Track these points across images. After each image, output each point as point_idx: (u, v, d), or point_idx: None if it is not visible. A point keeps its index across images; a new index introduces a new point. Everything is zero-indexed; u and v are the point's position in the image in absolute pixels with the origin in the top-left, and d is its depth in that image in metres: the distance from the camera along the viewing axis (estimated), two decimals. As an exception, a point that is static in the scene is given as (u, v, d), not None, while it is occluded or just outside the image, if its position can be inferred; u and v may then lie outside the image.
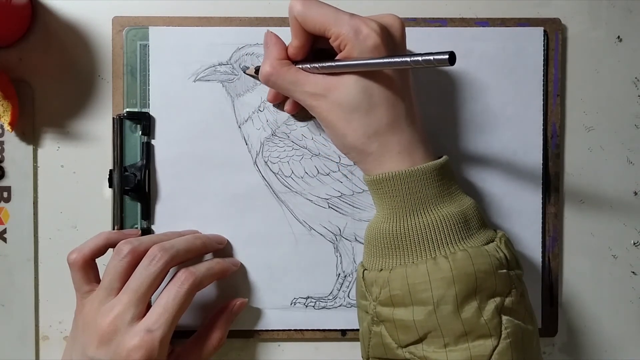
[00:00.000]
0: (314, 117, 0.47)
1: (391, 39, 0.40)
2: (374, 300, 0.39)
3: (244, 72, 0.47)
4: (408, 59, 0.35)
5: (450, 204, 0.39)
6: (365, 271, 0.41)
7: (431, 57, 0.34)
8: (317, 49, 0.42)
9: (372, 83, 0.39)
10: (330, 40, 0.40)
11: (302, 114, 0.47)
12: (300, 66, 0.41)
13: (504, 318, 0.37)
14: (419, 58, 0.35)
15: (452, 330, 0.37)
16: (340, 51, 0.39)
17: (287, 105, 0.46)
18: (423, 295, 0.37)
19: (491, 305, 0.37)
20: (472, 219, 0.40)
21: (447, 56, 0.33)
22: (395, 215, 0.39)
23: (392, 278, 0.38)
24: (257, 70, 0.46)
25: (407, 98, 0.40)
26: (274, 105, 0.47)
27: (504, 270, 0.38)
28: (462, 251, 0.38)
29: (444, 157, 0.41)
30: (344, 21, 0.38)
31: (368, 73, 0.39)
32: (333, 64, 0.39)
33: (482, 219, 0.40)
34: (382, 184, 0.39)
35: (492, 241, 0.40)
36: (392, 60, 0.36)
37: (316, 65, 0.40)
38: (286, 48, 0.42)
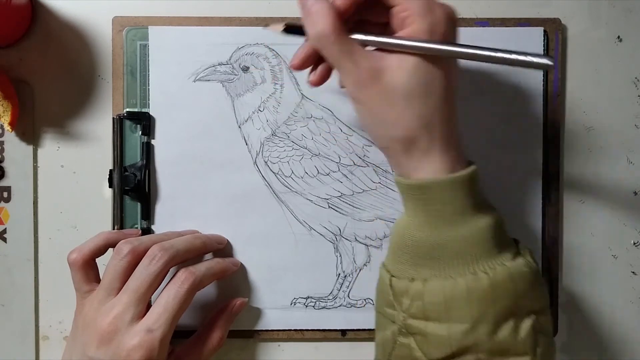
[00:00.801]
0: (313, 115, 0.47)
1: (454, 31, 0.37)
2: (404, 312, 0.37)
3: (266, 27, 0.40)
4: (508, 56, 0.33)
5: (484, 215, 0.37)
6: (394, 278, 0.38)
7: (534, 59, 0.33)
8: (357, 20, 0.38)
9: (433, 69, 0.36)
10: (394, 10, 0.36)
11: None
12: (357, 36, 0.36)
13: (539, 335, 0.36)
14: (522, 57, 0.33)
15: (487, 348, 0.35)
16: (402, 27, 0.36)
17: (315, 76, 0.40)
18: (460, 313, 0.35)
19: (527, 323, 0.36)
20: (503, 231, 0.38)
21: (550, 62, 0.32)
22: (432, 224, 0.36)
23: (427, 291, 0.36)
24: (289, 27, 0.39)
25: (456, 94, 0.38)
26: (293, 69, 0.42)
27: (540, 287, 0.37)
28: (501, 266, 0.36)
29: (474, 165, 0.37)
30: None
31: (430, 59, 0.35)
32: (408, 42, 0.34)
33: (506, 229, 0.38)
34: (419, 191, 0.36)
35: (519, 253, 0.37)
36: (486, 53, 0.33)
37: (380, 39, 0.35)
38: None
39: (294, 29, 0.39)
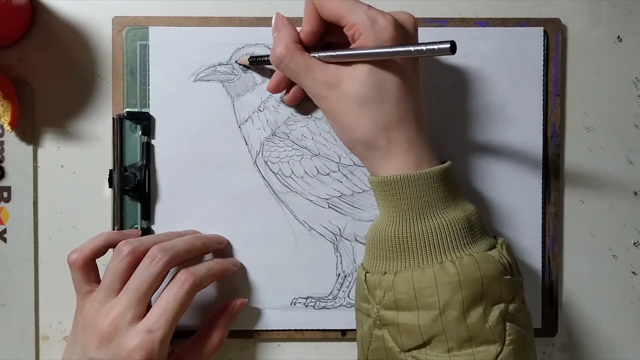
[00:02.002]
0: (313, 115, 0.47)
1: (405, 35, 0.39)
2: (377, 304, 0.39)
3: (236, 62, 0.47)
4: (412, 48, 0.36)
5: (454, 209, 0.39)
6: (368, 274, 0.40)
7: (435, 47, 0.35)
8: (325, 43, 0.42)
9: (385, 75, 0.38)
10: (344, 29, 0.39)
11: (302, 108, 0.47)
12: (314, 54, 0.40)
13: (508, 325, 0.37)
14: (423, 47, 0.35)
15: (456, 336, 0.36)
16: (354, 41, 0.39)
17: (289, 96, 0.46)
18: (429, 300, 0.37)
19: (496, 311, 0.37)
20: (475, 225, 0.39)
21: (448, 45, 0.34)
22: (401, 218, 0.39)
23: (397, 282, 0.38)
24: (253, 59, 0.46)
25: (417, 94, 0.40)
26: (271, 93, 0.46)
27: (509, 277, 0.38)
28: (469, 256, 0.37)
29: (448, 162, 0.40)
30: (361, 11, 0.38)
31: (380, 64, 0.38)
32: (344, 52, 0.39)
33: (483, 225, 0.40)
34: (388, 186, 0.39)
35: (494, 247, 0.39)
36: (397, 49, 0.36)
37: (328, 53, 0.40)
38: (298, 33, 0.41)
39: (257, 59, 0.46)
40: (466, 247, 0.38)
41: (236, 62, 0.47)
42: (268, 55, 0.45)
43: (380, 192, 0.40)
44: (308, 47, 0.41)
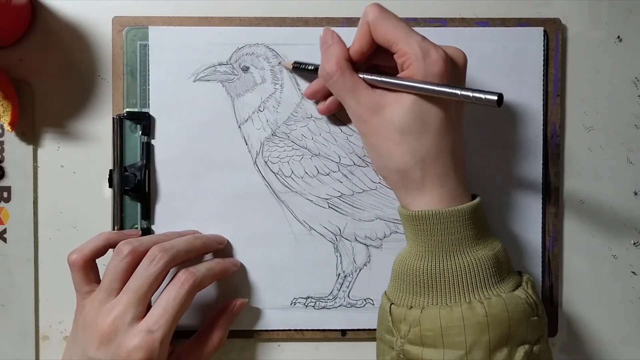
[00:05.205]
0: (313, 115, 0.47)
1: (454, 71, 0.39)
2: (402, 338, 0.39)
3: (279, 63, 0.47)
4: (459, 92, 0.36)
5: (484, 247, 0.39)
6: (393, 306, 0.40)
7: (482, 96, 0.35)
8: (371, 64, 0.42)
9: (429, 107, 0.38)
10: (395, 56, 0.39)
11: (332, 118, 0.47)
12: (360, 75, 0.40)
13: None
14: (470, 94, 0.36)
15: None
16: (402, 70, 0.39)
17: (324, 107, 0.46)
18: (456, 339, 0.37)
19: (520, 352, 0.37)
20: (503, 263, 0.39)
21: (495, 97, 0.35)
22: (430, 254, 0.39)
23: (424, 318, 0.38)
24: (297, 65, 0.46)
25: (458, 131, 0.40)
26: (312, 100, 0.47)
27: (535, 318, 0.38)
28: (497, 297, 0.37)
29: (478, 197, 0.40)
30: (415, 41, 0.38)
31: (426, 97, 0.38)
32: (392, 80, 0.39)
33: (509, 262, 0.40)
34: (419, 221, 0.39)
35: (520, 285, 0.39)
36: (444, 89, 0.37)
37: (375, 77, 0.40)
38: (348, 49, 0.41)
39: (302, 66, 0.46)
40: (494, 286, 0.38)
41: (280, 63, 0.47)
42: (313, 64, 0.45)
43: (409, 225, 0.40)
44: (354, 65, 0.41)
